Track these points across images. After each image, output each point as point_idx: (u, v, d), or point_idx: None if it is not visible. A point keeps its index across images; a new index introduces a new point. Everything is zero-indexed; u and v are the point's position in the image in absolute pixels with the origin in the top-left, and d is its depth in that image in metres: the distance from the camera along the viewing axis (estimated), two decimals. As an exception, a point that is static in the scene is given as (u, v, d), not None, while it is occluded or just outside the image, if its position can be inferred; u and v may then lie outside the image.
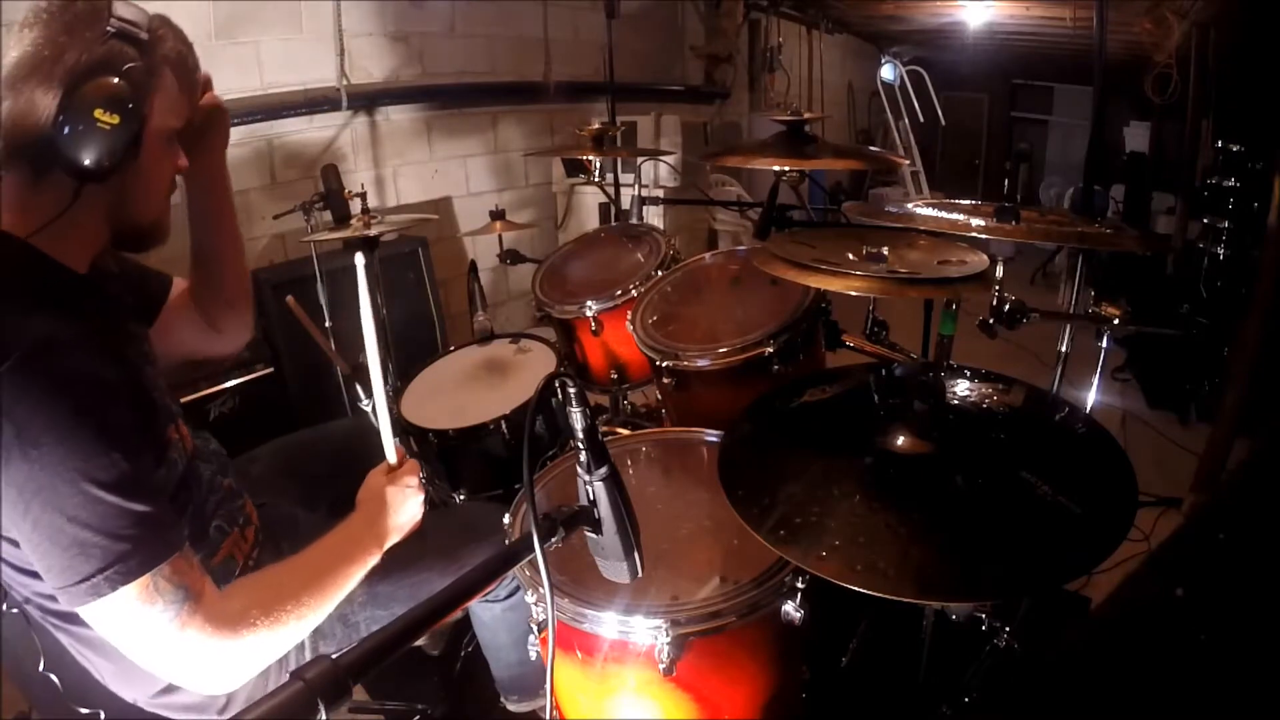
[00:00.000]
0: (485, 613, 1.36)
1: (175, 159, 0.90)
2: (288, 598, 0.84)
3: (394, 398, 1.85)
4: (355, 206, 2.35)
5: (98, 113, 0.75)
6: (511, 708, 1.45)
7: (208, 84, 0.99)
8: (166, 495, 0.85)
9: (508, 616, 1.34)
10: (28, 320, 0.74)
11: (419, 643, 1.74)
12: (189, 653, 0.77)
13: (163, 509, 0.78)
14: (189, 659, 0.77)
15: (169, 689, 0.94)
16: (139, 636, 0.75)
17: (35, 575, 0.78)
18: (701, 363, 1.49)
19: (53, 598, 0.78)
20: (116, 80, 0.77)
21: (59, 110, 0.75)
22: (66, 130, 0.75)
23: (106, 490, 0.72)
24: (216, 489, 1.03)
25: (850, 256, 1.32)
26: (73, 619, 0.84)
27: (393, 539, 0.97)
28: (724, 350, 1.47)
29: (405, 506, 0.98)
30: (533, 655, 1.09)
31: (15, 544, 0.76)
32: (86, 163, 0.76)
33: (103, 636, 0.76)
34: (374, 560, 0.94)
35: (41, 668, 0.94)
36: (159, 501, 0.78)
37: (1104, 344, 1.34)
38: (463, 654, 1.73)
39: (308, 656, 1.06)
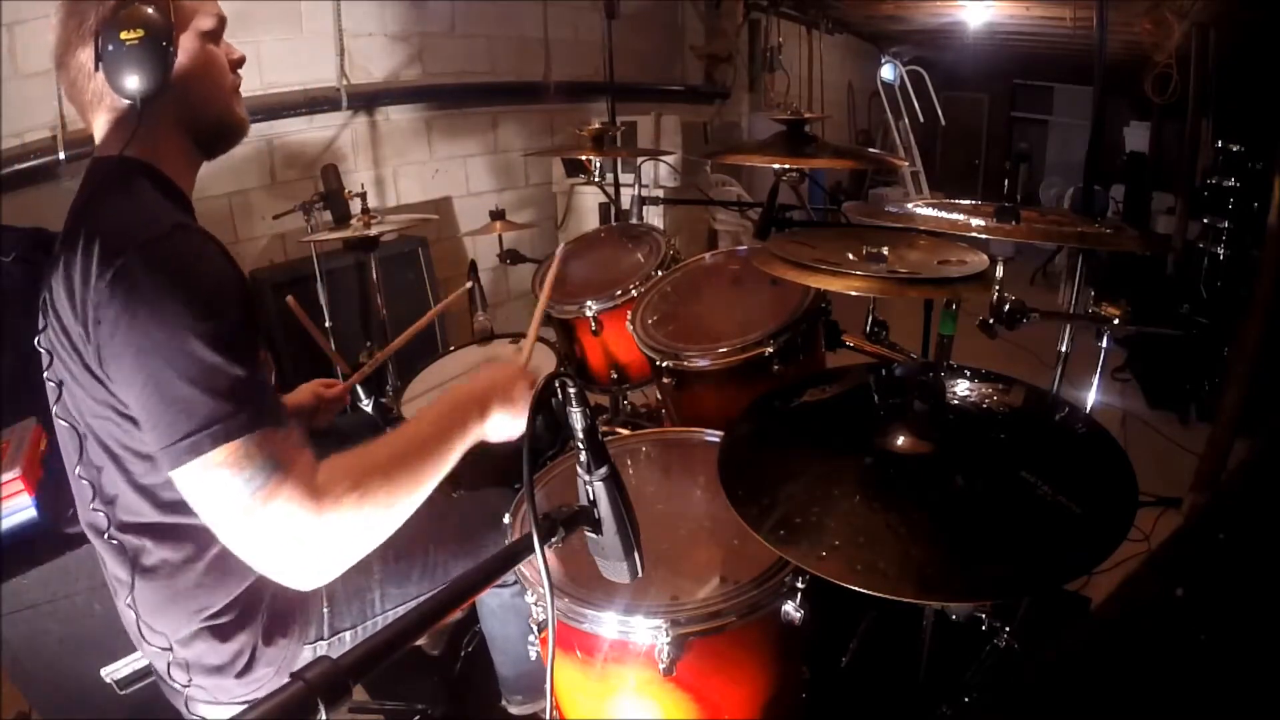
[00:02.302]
0: (493, 599, 1.35)
1: (222, 55, 0.97)
2: (377, 472, 0.81)
3: (394, 397, 1.85)
4: (355, 206, 2.35)
5: (123, 35, 0.83)
6: (513, 710, 1.45)
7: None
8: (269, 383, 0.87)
9: (516, 603, 1.34)
10: (160, 208, 0.85)
11: (419, 643, 1.74)
12: (275, 530, 0.75)
13: (266, 384, 0.81)
14: (274, 537, 0.75)
15: (197, 634, 0.96)
16: (225, 506, 0.75)
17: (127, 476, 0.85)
18: (701, 363, 1.49)
19: (129, 526, 0.87)
20: (133, 3, 0.84)
21: (97, 54, 0.84)
22: (107, 59, 0.84)
23: (218, 352, 0.76)
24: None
25: (850, 256, 1.32)
26: (150, 531, 0.89)
27: (492, 424, 0.92)
28: (724, 350, 1.47)
29: (518, 398, 0.94)
30: (533, 655, 1.09)
31: (130, 419, 0.81)
32: (133, 80, 0.84)
33: (194, 506, 0.77)
34: (470, 441, 0.90)
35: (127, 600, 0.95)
36: (263, 377, 0.81)
37: (1104, 344, 1.34)
38: (463, 654, 1.73)
39: (325, 633, 1.09)
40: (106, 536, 0.92)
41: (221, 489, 0.74)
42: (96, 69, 0.85)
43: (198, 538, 0.92)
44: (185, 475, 0.75)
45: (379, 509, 0.80)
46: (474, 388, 0.94)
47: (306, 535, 0.76)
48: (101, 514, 0.91)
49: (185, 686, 0.99)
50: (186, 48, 0.90)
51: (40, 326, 0.86)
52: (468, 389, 0.94)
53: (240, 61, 1.00)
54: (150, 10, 0.85)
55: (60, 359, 0.85)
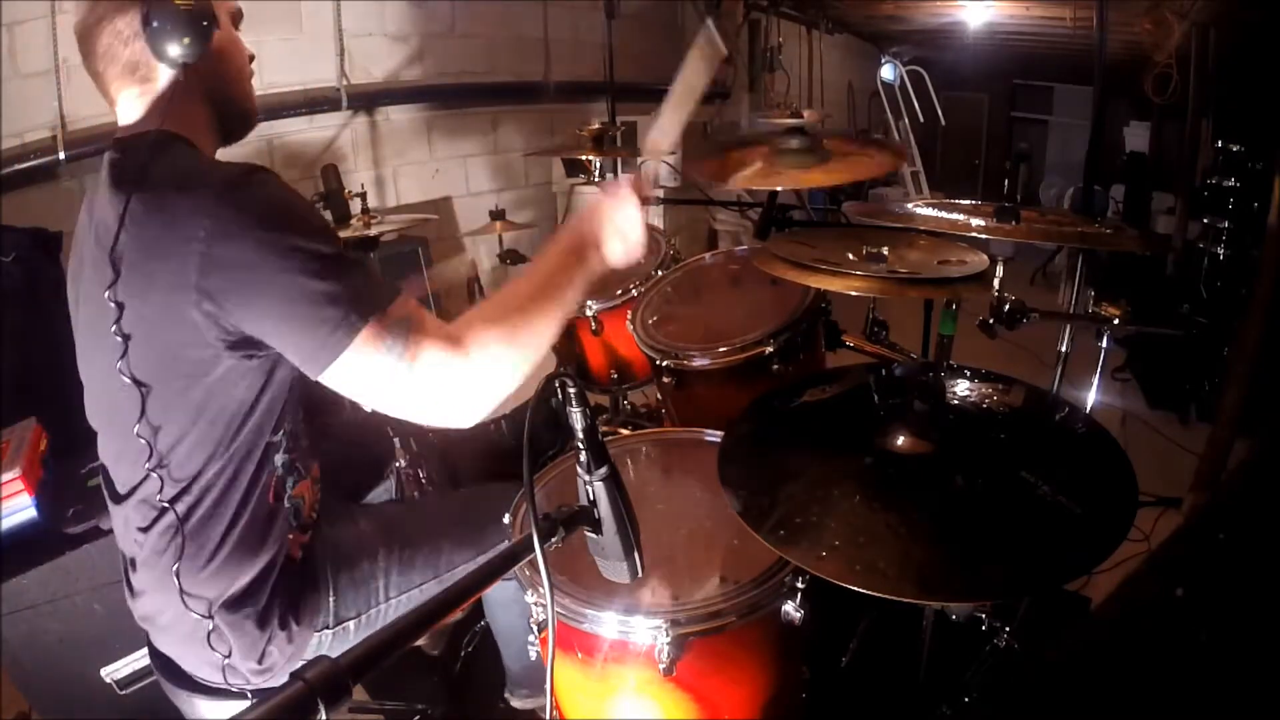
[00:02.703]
0: (498, 591, 1.36)
1: (241, 41, 0.99)
2: (512, 307, 0.87)
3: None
4: (355, 206, 2.35)
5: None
6: (516, 703, 1.45)
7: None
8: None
9: (522, 598, 1.34)
10: (223, 163, 0.89)
11: (419, 643, 1.74)
12: (429, 381, 0.81)
13: (370, 267, 0.85)
14: (431, 388, 0.82)
15: (238, 598, 0.97)
16: (381, 381, 0.81)
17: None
18: (701, 362, 1.49)
19: (180, 485, 0.91)
20: None
21: (145, 17, 0.85)
22: (156, 25, 0.85)
23: (326, 253, 0.81)
24: (303, 432, 1.08)
25: (850, 256, 1.32)
26: (199, 492, 0.92)
27: (611, 246, 0.98)
28: (724, 350, 1.47)
29: (623, 213, 0.98)
30: (533, 655, 1.09)
31: (232, 350, 0.85)
32: (184, 44, 0.86)
33: (358, 396, 0.83)
34: (592, 271, 0.96)
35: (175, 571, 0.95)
36: (364, 263, 0.86)
37: (1104, 344, 1.34)
38: (463, 654, 1.73)
39: (331, 621, 1.09)
40: (158, 500, 0.91)
41: (373, 367, 0.80)
42: (143, 30, 0.85)
43: (240, 498, 0.94)
44: (337, 370, 0.80)
45: (520, 337, 0.87)
46: (586, 221, 0.99)
47: (457, 376, 0.83)
48: (155, 477, 0.91)
49: (226, 658, 0.99)
50: (220, 23, 0.92)
51: (109, 282, 0.84)
52: (580, 222, 0.99)
53: (252, 57, 1.02)
54: None
55: (137, 311, 0.84)
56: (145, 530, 0.95)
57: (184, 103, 0.92)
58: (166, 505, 0.92)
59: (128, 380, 0.86)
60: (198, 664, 1.02)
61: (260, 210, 0.81)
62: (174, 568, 0.93)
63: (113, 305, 0.84)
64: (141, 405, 0.88)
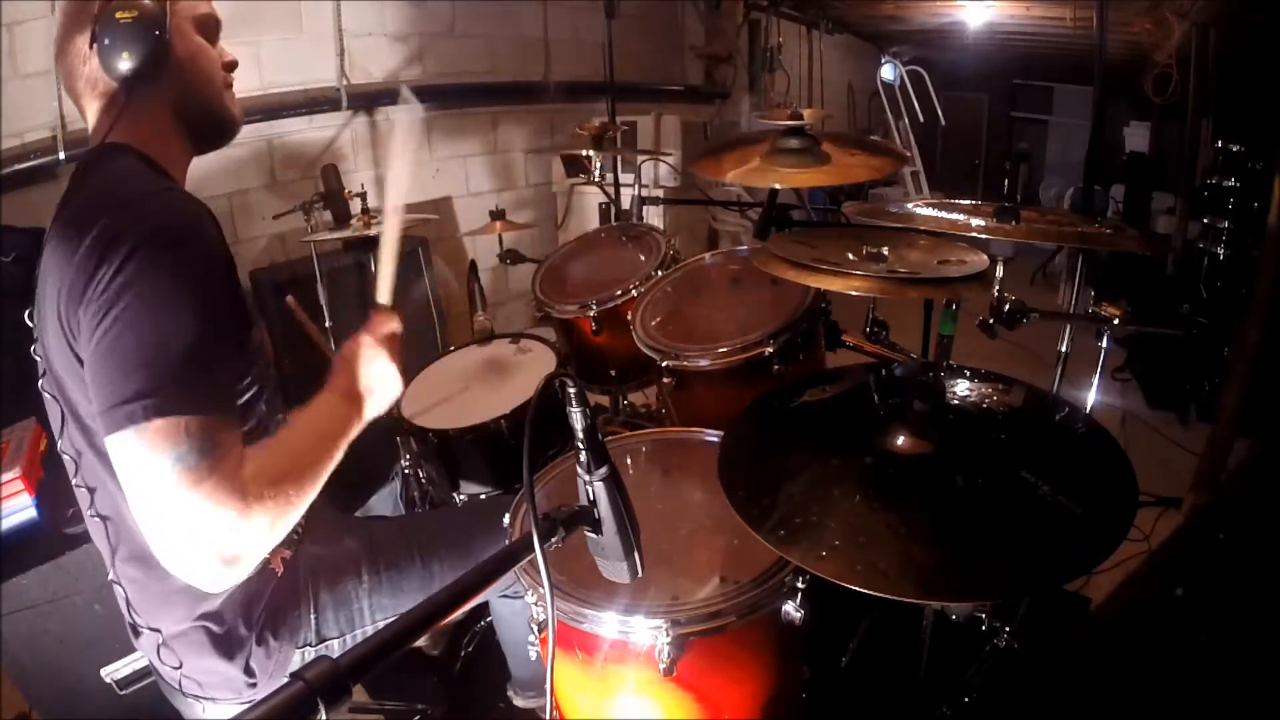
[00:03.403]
0: (505, 608, 1.36)
1: (214, 48, 0.98)
2: (292, 474, 0.80)
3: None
4: (355, 206, 2.35)
5: (119, 15, 0.85)
6: (518, 702, 1.45)
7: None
8: (235, 376, 0.88)
9: (526, 608, 1.34)
10: (145, 178, 0.87)
11: (419, 643, 1.74)
12: (194, 514, 0.72)
13: (226, 377, 0.82)
14: (192, 522, 0.72)
15: (200, 620, 0.96)
16: (149, 482, 0.72)
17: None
18: (702, 363, 1.49)
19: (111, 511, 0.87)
20: None
21: (93, 35, 0.86)
22: (102, 40, 0.85)
23: (185, 324, 0.76)
24: None
25: (850, 256, 1.32)
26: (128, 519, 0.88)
27: (370, 405, 0.95)
28: (724, 350, 1.47)
29: (374, 370, 0.96)
30: (533, 655, 1.09)
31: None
32: (125, 58, 0.86)
33: (120, 477, 0.75)
34: (358, 427, 0.93)
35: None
36: (223, 369, 0.81)
37: (1104, 344, 1.34)
38: (463, 654, 1.73)
39: (313, 639, 1.08)
40: (89, 514, 0.93)
41: (148, 464, 0.72)
42: (91, 48, 0.86)
43: None
44: (118, 442, 0.73)
45: (286, 511, 0.79)
46: (346, 376, 0.95)
47: (227, 527, 0.73)
48: (84, 490, 0.92)
49: (176, 669, 0.99)
50: (180, 32, 0.92)
51: (31, 303, 0.88)
52: (339, 380, 0.95)
53: (232, 64, 1.01)
54: None
55: (43, 329, 0.86)
56: (114, 548, 0.95)
57: (145, 114, 0.91)
58: (98, 520, 0.92)
59: (49, 396, 0.89)
60: (188, 673, 1.01)
61: (148, 246, 0.76)
62: (108, 578, 0.94)
63: (33, 325, 0.86)
64: (61, 421, 0.89)
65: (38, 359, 0.89)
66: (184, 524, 0.72)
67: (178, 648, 0.98)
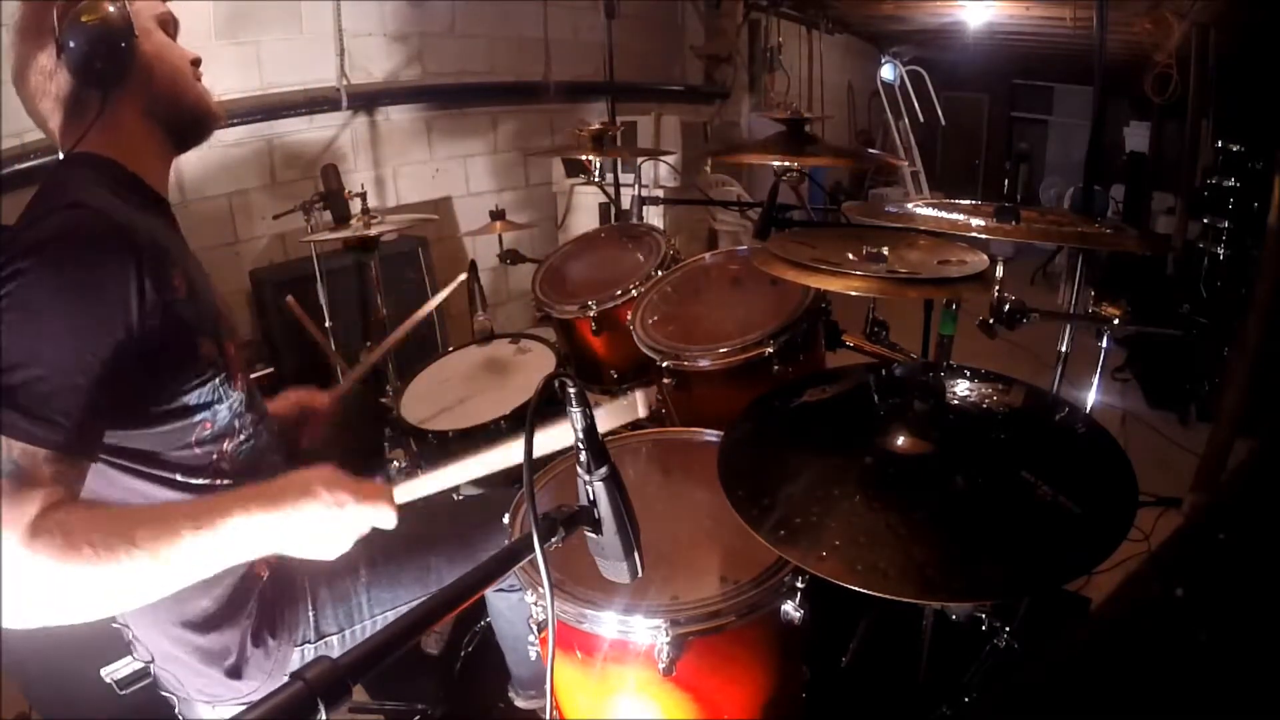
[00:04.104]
0: (501, 602, 1.35)
1: (177, 46, 0.97)
2: (123, 536, 0.72)
3: (394, 397, 1.85)
4: (355, 206, 2.35)
5: (84, 18, 0.84)
6: (519, 703, 1.45)
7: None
8: (107, 412, 0.78)
9: (525, 606, 1.34)
10: (72, 193, 0.82)
11: (419, 642, 1.74)
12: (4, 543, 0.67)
13: (89, 413, 0.74)
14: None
15: (181, 632, 0.95)
16: None
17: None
18: (702, 363, 1.49)
19: None
20: None
21: (59, 46, 0.84)
22: (69, 50, 0.84)
23: (51, 353, 0.72)
24: (269, 466, 1.03)
25: (850, 256, 1.32)
26: None
27: (278, 542, 0.80)
28: (724, 350, 1.47)
29: (315, 520, 0.81)
30: (533, 655, 1.09)
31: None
32: (97, 61, 0.85)
33: None
34: (246, 542, 0.78)
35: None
36: (90, 404, 0.74)
37: (1104, 344, 1.34)
38: (463, 654, 1.73)
39: (312, 636, 1.08)
40: None
41: None
42: (58, 60, 0.85)
43: None
44: None
45: (113, 574, 0.72)
46: (274, 493, 0.80)
47: (30, 564, 0.69)
48: None
49: (168, 675, 0.99)
50: (144, 31, 0.91)
51: None
52: (272, 492, 0.80)
53: (196, 61, 1.00)
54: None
55: None
56: None
57: (117, 120, 0.90)
58: None
59: None
60: (176, 675, 1.02)
61: (30, 260, 0.73)
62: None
63: None
64: None
65: None
66: None
67: (166, 658, 0.98)
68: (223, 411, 0.93)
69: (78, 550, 0.70)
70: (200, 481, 0.92)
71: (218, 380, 0.92)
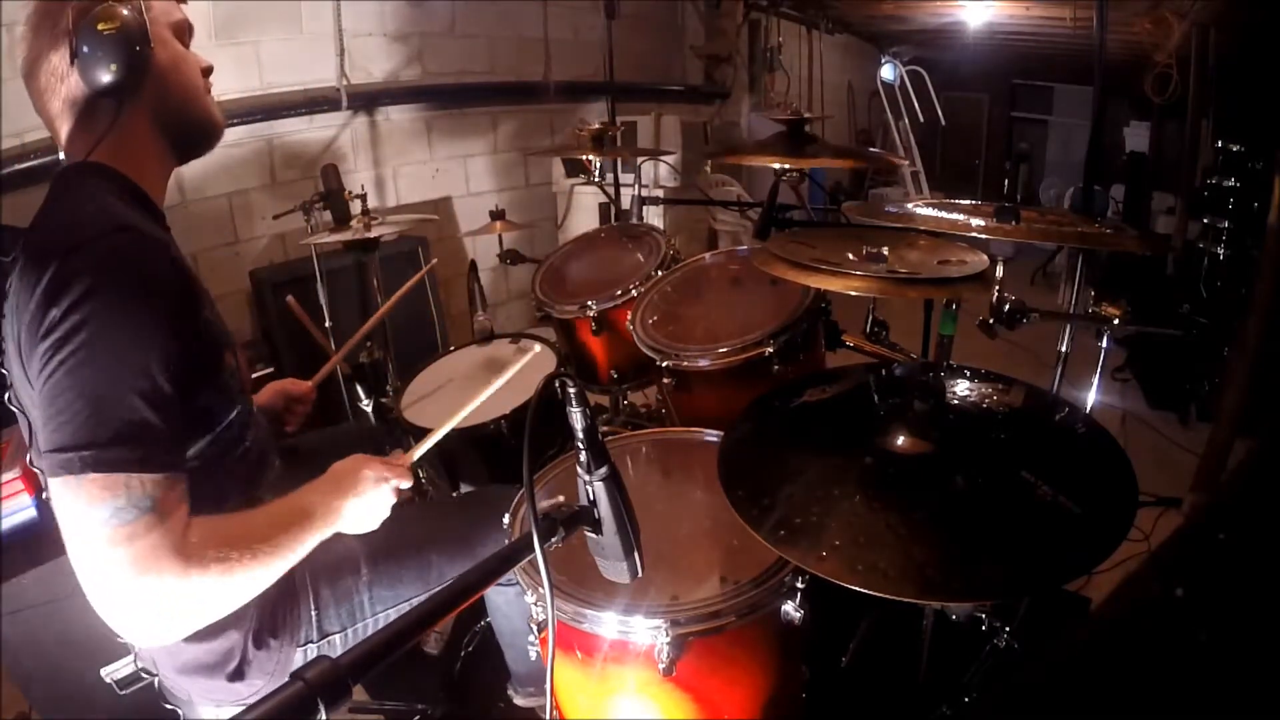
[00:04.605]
0: (499, 597, 1.35)
1: (191, 55, 0.96)
2: (245, 547, 0.79)
3: (394, 397, 1.85)
4: (355, 206, 2.35)
5: (100, 26, 0.82)
6: (519, 701, 1.45)
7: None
8: (186, 428, 0.84)
9: (523, 601, 1.34)
10: (109, 210, 0.83)
11: (419, 642, 1.74)
12: (131, 569, 0.71)
13: (173, 432, 0.78)
14: (127, 577, 0.72)
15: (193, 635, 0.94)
16: (78, 534, 0.72)
17: None
18: (702, 363, 1.49)
19: None
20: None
21: (73, 52, 0.83)
22: (83, 56, 0.83)
23: (130, 377, 0.74)
24: (271, 465, 1.06)
25: (850, 256, 1.32)
26: None
27: (342, 524, 0.92)
28: (724, 350, 1.47)
29: (366, 500, 0.94)
30: (533, 655, 1.09)
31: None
32: (112, 70, 0.84)
33: (59, 520, 0.74)
34: (323, 535, 0.90)
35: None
36: (170, 423, 0.77)
37: (1104, 344, 1.34)
38: (463, 654, 1.73)
39: (315, 636, 1.08)
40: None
41: (79, 515, 0.71)
42: (72, 65, 0.84)
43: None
44: (55, 488, 0.72)
45: (234, 583, 0.78)
46: (331, 485, 0.94)
47: (163, 587, 0.72)
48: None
49: (171, 679, 0.99)
50: (160, 40, 0.90)
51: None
52: (329, 484, 0.94)
53: (209, 70, 0.99)
54: (124, 2, 0.84)
55: (8, 353, 0.85)
56: None
57: (126, 129, 0.89)
58: None
59: (17, 411, 0.87)
60: (178, 683, 1.01)
61: (94, 293, 0.74)
62: None
63: None
64: (30, 437, 0.87)
65: (4, 373, 0.87)
66: (114, 578, 0.72)
67: (170, 666, 0.98)
68: (235, 416, 0.95)
69: (234, 561, 0.78)
70: (211, 484, 0.92)
71: (233, 387, 0.95)
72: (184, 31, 0.96)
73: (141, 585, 0.72)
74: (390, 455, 1.06)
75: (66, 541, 0.73)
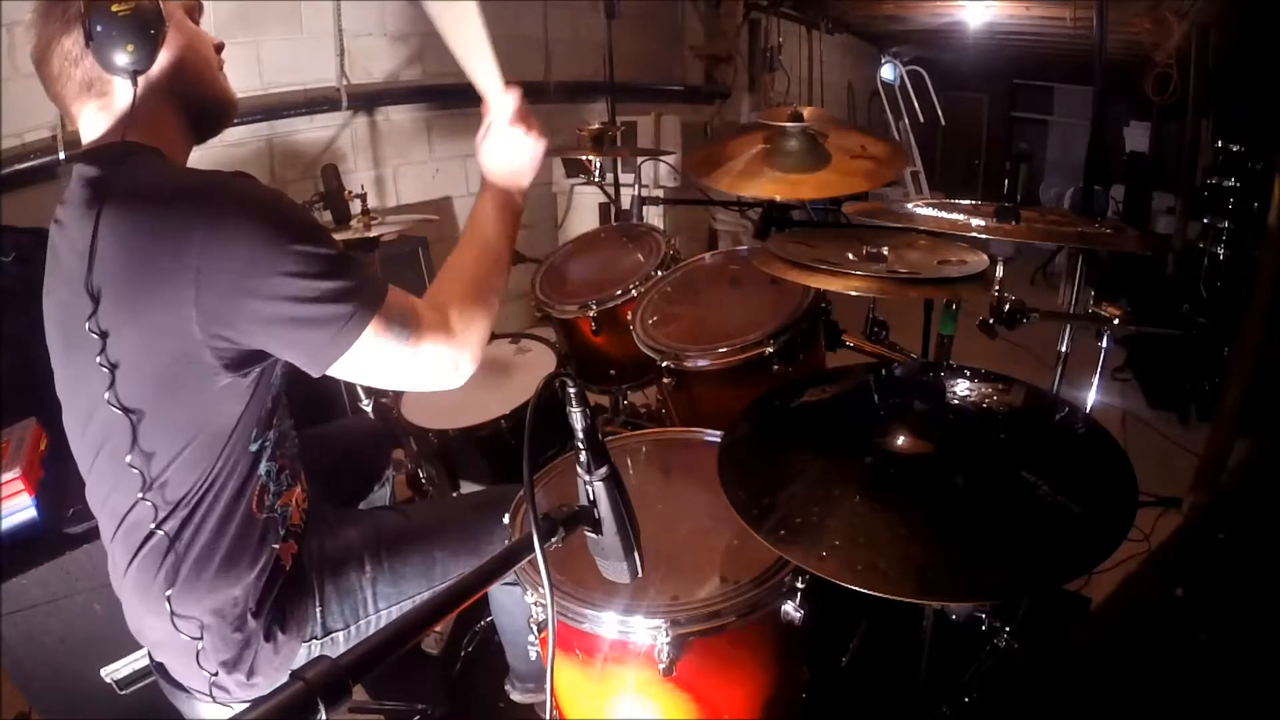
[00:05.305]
0: (505, 596, 1.35)
1: (203, 33, 0.98)
2: (477, 281, 0.97)
3: (394, 397, 1.85)
4: (355, 206, 2.35)
5: (115, 8, 0.82)
6: (516, 697, 1.45)
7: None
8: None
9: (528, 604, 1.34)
10: (197, 170, 0.89)
11: (419, 642, 1.74)
12: (430, 361, 0.90)
13: (361, 259, 0.91)
14: (431, 365, 0.91)
15: (223, 612, 0.97)
16: (387, 367, 0.88)
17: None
18: (701, 363, 1.49)
19: (173, 508, 0.90)
20: None
21: (87, 34, 0.83)
22: (98, 37, 0.83)
23: (320, 250, 0.82)
24: (291, 438, 1.07)
25: (850, 256, 1.32)
26: (189, 509, 0.91)
27: (518, 181, 1.07)
28: (724, 350, 1.47)
29: (510, 152, 1.04)
30: (533, 655, 1.09)
31: (234, 361, 0.85)
32: (128, 52, 0.84)
33: (368, 380, 0.91)
34: (517, 204, 1.07)
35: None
36: (355, 255, 0.89)
37: (1104, 344, 1.34)
38: (463, 654, 1.73)
39: (319, 632, 1.08)
40: (151, 525, 0.90)
41: (380, 356, 0.86)
42: (87, 46, 0.83)
43: (223, 512, 0.93)
44: (345, 363, 0.84)
45: (486, 305, 0.97)
46: (492, 183, 1.06)
47: (451, 352, 0.92)
48: (149, 504, 0.89)
49: (213, 675, 0.98)
50: (175, 19, 0.90)
51: (89, 312, 0.80)
52: (488, 187, 1.06)
53: (220, 47, 1.00)
54: None
55: (123, 337, 0.81)
56: (133, 556, 0.93)
57: (150, 110, 0.89)
58: (155, 529, 0.90)
59: (117, 410, 0.83)
60: (187, 675, 1.01)
61: (250, 214, 0.80)
62: (165, 592, 0.92)
63: (95, 335, 0.80)
64: (133, 433, 0.85)
65: (104, 369, 0.82)
66: (425, 371, 0.91)
67: (183, 657, 0.98)
68: (275, 381, 0.98)
69: (472, 304, 0.95)
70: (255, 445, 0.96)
71: None
72: (194, 10, 0.97)
73: (440, 362, 0.91)
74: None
75: (379, 383, 0.92)
